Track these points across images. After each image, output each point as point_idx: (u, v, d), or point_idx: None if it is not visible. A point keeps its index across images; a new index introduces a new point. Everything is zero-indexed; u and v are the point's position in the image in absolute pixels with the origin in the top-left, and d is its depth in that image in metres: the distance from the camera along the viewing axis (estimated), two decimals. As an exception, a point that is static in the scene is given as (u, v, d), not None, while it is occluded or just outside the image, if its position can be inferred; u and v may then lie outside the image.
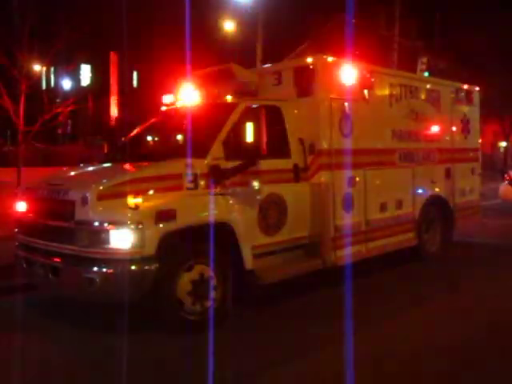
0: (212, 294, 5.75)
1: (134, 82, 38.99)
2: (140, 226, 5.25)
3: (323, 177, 7.06)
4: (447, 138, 9.61)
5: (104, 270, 5.31)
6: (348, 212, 7.35)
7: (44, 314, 6.51)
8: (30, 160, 16.38)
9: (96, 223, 5.35)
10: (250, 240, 6.18)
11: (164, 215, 5.42)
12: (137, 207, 5.29)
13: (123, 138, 9.01)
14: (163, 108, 7.97)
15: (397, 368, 4.79)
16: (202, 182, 5.94)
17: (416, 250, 8.78)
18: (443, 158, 9.38)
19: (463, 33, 27.69)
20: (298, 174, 6.90)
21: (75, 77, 35.98)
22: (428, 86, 9.31)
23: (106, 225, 5.31)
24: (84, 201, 5.42)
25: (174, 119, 7.87)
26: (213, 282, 5.76)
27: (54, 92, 29.87)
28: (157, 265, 5.35)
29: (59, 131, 30.33)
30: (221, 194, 6.03)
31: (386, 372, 4.72)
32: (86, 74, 39.10)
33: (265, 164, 6.36)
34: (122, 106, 26.68)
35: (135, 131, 7.94)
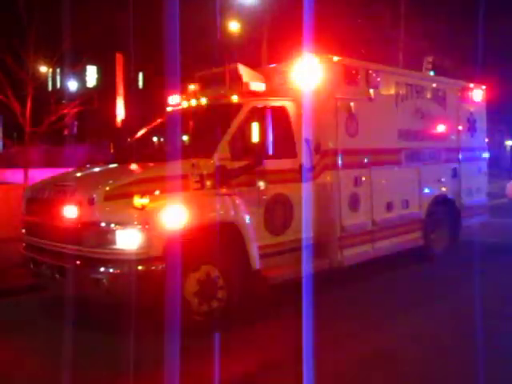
0: (219, 294, 5.76)
1: (140, 83, 39.06)
2: (147, 227, 5.26)
3: (329, 177, 7.05)
4: (453, 137, 9.57)
5: (111, 270, 5.33)
6: (354, 212, 7.34)
7: (50, 314, 6.54)
8: (37, 161, 16.42)
9: (103, 224, 5.36)
10: (257, 240, 6.17)
11: (170, 215, 5.43)
12: (143, 208, 5.31)
13: (129, 139, 9.02)
14: (169, 108, 7.98)
15: (398, 368, 4.78)
16: (209, 183, 5.95)
17: (423, 250, 8.75)
18: (450, 158, 9.34)
19: (469, 31, 27.56)
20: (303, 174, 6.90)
21: (81, 78, 36.10)
22: (434, 85, 9.26)
23: (112, 225, 5.32)
24: (91, 201, 5.43)
25: (179, 120, 7.87)
26: (219, 282, 5.77)
27: (60, 93, 29.96)
28: (163, 265, 5.36)
29: (65, 132, 30.40)
30: (227, 195, 6.03)
31: (387, 372, 4.71)
32: (91, 75, 39.26)
33: (271, 164, 6.38)
34: (127, 106, 26.74)
35: (141, 132, 7.96)
